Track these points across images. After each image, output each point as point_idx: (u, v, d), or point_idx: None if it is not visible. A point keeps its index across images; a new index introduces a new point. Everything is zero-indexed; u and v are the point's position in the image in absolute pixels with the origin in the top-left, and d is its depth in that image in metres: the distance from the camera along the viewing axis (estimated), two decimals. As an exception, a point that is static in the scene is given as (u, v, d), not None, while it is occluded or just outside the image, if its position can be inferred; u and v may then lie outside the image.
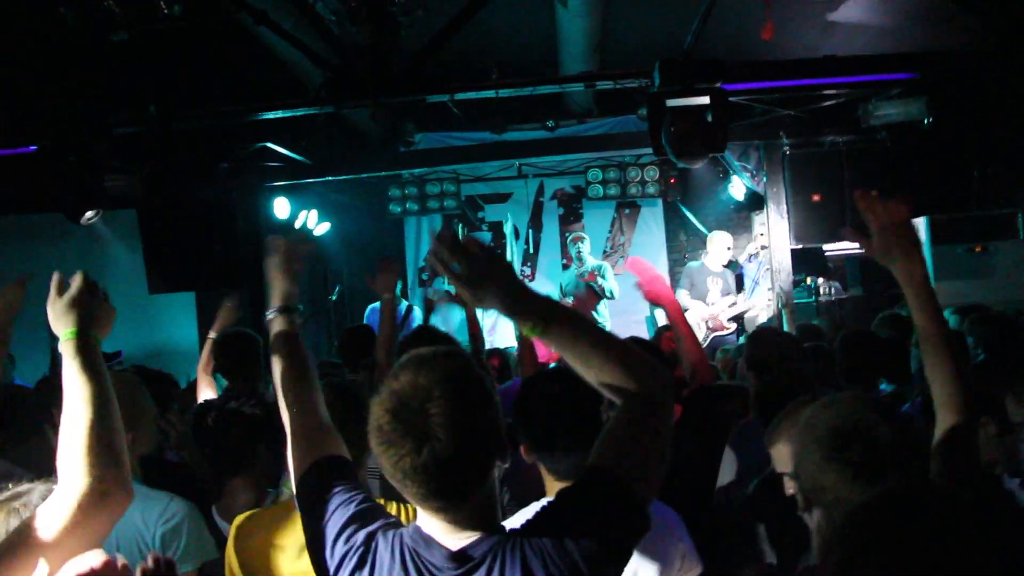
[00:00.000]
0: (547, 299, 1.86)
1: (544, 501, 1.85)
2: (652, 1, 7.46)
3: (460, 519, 1.70)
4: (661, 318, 8.98)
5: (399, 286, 8.02)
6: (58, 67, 6.67)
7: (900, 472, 1.78)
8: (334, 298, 10.77)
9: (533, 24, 7.88)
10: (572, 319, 1.83)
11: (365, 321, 10.04)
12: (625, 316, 10.34)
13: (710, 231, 11.22)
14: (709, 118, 5.79)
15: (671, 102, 5.81)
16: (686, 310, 9.12)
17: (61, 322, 1.99)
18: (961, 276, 9.03)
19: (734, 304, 9.40)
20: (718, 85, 5.81)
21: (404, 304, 9.93)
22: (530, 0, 7.13)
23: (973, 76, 7.48)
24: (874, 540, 1.29)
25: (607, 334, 1.87)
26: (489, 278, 1.83)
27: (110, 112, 6.74)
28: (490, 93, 6.55)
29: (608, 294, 9.61)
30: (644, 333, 10.11)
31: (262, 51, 7.19)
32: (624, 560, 1.72)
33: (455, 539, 1.70)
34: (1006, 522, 1.28)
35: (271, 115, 6.76)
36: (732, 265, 9.83)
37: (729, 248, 9.63)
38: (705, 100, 5.76)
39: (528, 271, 11.73)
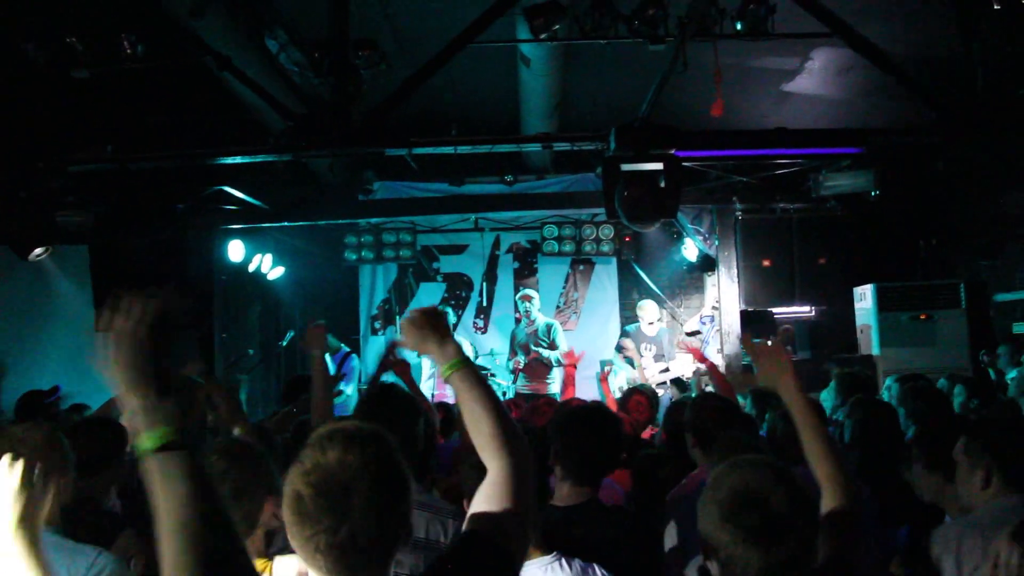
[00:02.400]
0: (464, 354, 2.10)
1: (435, 568, 1.96)
2: (612, 66, 7.61)
3: None
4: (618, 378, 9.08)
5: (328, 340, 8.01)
6: (16, 101, 6.64)
7: (792, 538, 1.88)
8: (284, 344, 10.70)
9: (496, 81, 8.00)
10: (478, 375, 2.05)
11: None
12: (576, 373, 10.37)
13: (663, 291, 11.41)
14: (662, 183, 5.90)
15: (625, 166, 5.92)
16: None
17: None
18: (905, 343, 9.22)
19: (666, 370, 9.55)
20: (672, 152, 5.93)
21: (344, 349, 9.92)
22: (494, 58, 7.23)
23: (919, 152, 7.72)
24: None
25: (499, 400, 2.04)
26: (433, 326, 2.09)
27: (67, 149, 6.70)
28: (448, 149, 6.62)
29: (555, 363, 9.70)
30: (593, 390, 10.18)
31: (225, 95, 7.22)
32: None
33: None
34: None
35: (229, 160, 6.75)
36: (660, 333, 10.03)
37: (652, 323, 9.97)
38: (659, 166, 5.88)
39: (481, 323, 11.74)
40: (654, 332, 9.89)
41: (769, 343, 2.71)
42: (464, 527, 1.95)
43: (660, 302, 11.50)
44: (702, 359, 6.29)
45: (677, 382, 8.71)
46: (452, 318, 10.61)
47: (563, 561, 2.60)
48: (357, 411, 3.26)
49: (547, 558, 2.58)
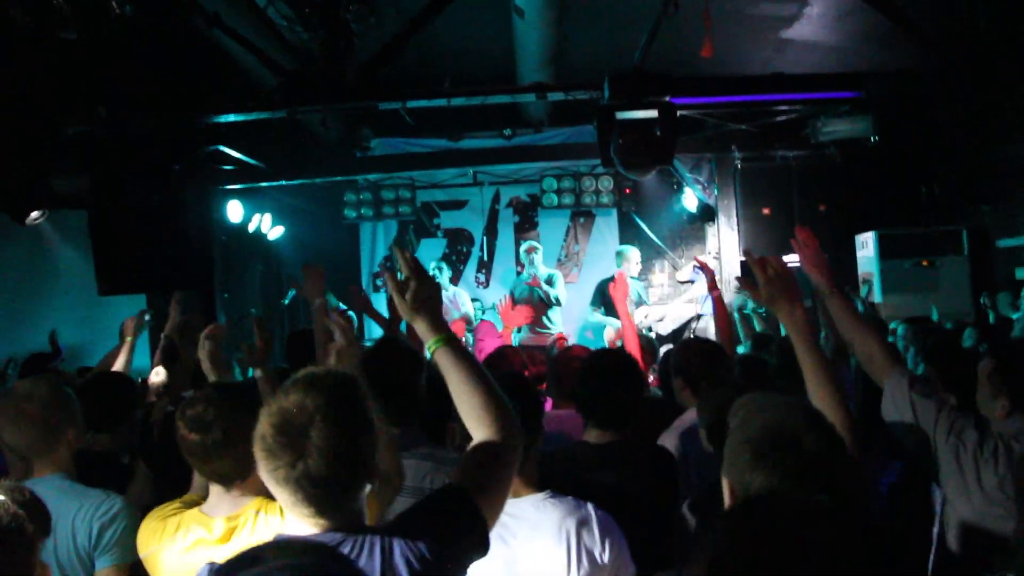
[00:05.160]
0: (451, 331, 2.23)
1: (409, 506, 2.07)
2: (607, 15, 7.52)
3: (326, 525, 1.85)
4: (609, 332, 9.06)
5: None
6: (4, 65, 6.58)
7: (823, 480, 1.80)
8: (287, 302, 10.72)
9: (491, 34, 7.92)
10: (465, 351, 2.18)
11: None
12: (577, 324, 10.43)
13: (664, 242, 11.39)
14: (657, 132, 5.86)
15: (620, 115, 5.87)
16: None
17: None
18: (908, 290, 9.20)
19: (647, 316, 9.59)
20: (666, 99, 5.88)
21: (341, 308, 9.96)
22: (488, 10, 7.15)
23: (917, 96, 7.63)
24: (734, 543, 1.39)
25: (487, 375, 2.16)
26: (429, 299, 2.20)
27: (59, 112, 6.66)
28: (442, 102, 6.55)
29: (555, 300, 9.67)
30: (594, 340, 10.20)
31: (217, 53, 7.16)
32: (463, 565, 1.97)
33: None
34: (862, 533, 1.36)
35: (223, 118, 6.71)
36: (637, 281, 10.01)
37: (637, 263, 10.01)
38: (653, 113, 5.83)
39: (483, 278, 11.76)
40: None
41: (775, 262, 2.59)
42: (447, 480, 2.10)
43: (661, 253, 11.51)
44: (714, 284, 5.91)
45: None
46: (448, 273, 10.57)
47: (556, 499, 2.61)
48: (360, 365, 3.24)
49: (539, 495, 2.59)
